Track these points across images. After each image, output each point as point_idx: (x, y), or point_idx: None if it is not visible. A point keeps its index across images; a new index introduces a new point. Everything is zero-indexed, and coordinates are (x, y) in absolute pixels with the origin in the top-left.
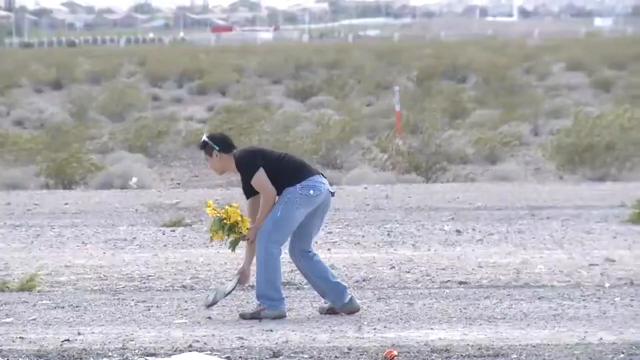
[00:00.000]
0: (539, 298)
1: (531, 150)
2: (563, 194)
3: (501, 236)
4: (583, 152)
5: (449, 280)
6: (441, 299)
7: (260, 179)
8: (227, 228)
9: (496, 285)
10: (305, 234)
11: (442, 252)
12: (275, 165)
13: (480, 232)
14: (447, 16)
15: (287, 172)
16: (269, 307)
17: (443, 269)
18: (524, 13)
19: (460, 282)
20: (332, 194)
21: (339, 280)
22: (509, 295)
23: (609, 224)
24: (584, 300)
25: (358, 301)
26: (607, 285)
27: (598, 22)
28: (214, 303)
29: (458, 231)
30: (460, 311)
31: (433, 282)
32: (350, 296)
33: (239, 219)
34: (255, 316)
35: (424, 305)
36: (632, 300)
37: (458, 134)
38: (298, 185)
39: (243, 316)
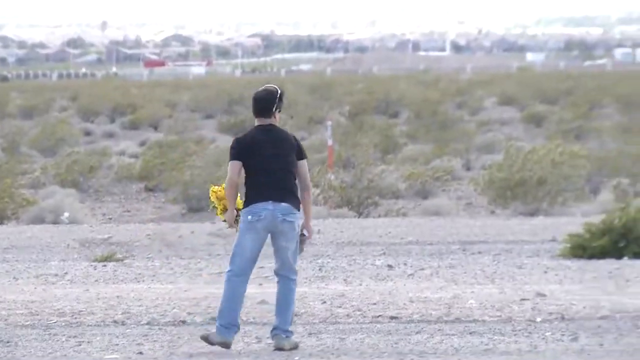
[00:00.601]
0: (470, 333)
1: (463, 185)
2: (495, 229)
3: (433, 271)
4: (515, 187)
5: (380, 315)
6: (372, 333)
7: (230, 166)
8: (212, 207)
9: (427, 320)
10: (276, 255)
11: (373, 286)
12: (245, 175)
13: (411, 266)
14: (380, 50)
15: (245, 193)
16: (216, 331)
17: (374, 303)
18: (456, 48)
19: (392, 317)
20: (284, 220)
21: (289, 319)
22: (440, 330)
23: (540, 258)
24: (515, 335)
25: (287, 342)
26: (538, 320)
27: (530, 56)
28: None
29: (390, 266)
30: (392, 346)
31: (364, 317)
32: (281, 335)
33: (215, 199)
34: (204, 338)
35: (356, 340)
36: (562, 334)
37: (390, 168)
38: (243, 210)
39: (202, 337)
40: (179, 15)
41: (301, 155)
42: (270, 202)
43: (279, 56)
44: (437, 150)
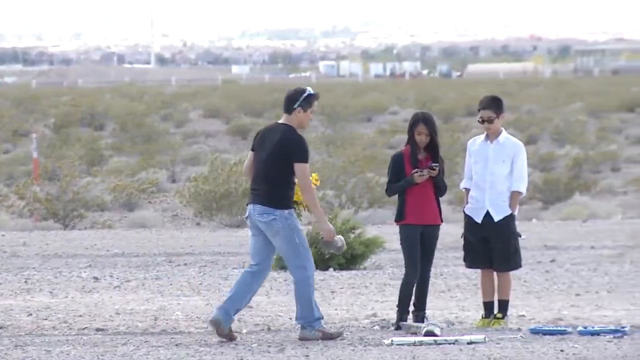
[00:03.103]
0: (176, 345)
1: (169, 197)
2: (200, 241)
3: (139, 283)
4: (220, 199)
5: (86, 327)
6: (79, 346)
7: None
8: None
9: (133, 332)
10: None
11: (79, 299)
12: None
13: (117, 278)
14: (85, 63)
15: None
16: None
17: (80, 315)
18: (161, 60)
19: (98, 329)
20: (259, 220)
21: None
22: (146, 342)
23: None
24: (221, 346)
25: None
26: (244, 331)
27: (235, 69)
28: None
29: (95, 278)
30: (98, 358)
31: (71, 329)
32: (303, 325)
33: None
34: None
35: (62, 352)
36: (269, 346)
37: (96, 181)
38: None
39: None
40: None
41: (296, 158)
42: (251, 203)
43: None
44: (143, 162)
